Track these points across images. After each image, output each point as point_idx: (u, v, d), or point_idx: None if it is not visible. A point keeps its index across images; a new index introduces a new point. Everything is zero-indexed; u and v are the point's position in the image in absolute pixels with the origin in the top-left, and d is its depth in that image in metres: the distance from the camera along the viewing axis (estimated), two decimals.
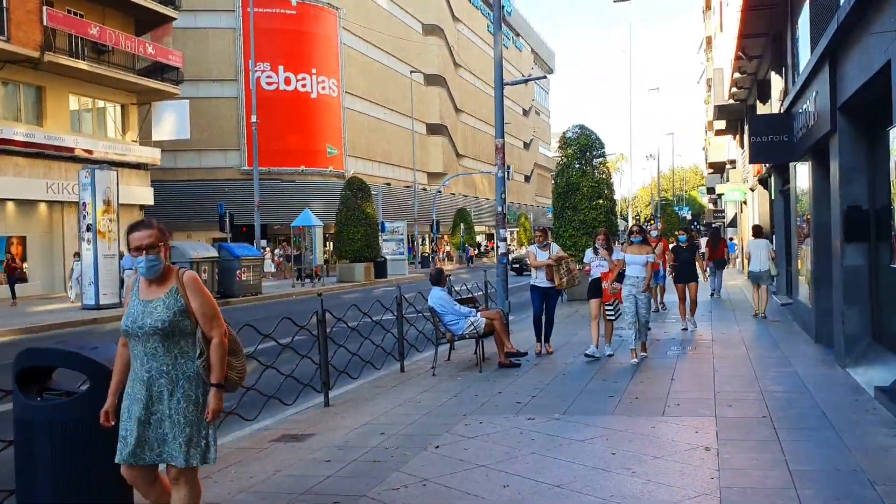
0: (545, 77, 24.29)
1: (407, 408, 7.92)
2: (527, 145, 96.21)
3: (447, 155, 68.33)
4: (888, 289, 8.68)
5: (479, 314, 10.32)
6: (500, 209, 14.03)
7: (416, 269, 48.41)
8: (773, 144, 13.24)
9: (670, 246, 15.48)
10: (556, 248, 11.11)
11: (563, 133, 22.75)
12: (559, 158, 22.51)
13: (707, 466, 5.42)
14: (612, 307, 10.65)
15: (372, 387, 9.22)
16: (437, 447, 6.23)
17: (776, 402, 7.36)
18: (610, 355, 10.56)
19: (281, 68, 48.53)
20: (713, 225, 55.17)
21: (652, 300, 12.91)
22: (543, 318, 11.26)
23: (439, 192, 60.99)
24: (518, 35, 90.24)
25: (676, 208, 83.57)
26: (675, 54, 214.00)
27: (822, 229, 11.11)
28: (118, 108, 33.17)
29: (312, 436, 6.85)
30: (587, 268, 10.87)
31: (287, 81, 48.82)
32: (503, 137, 13.98)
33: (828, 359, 9.81)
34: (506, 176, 14.25)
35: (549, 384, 8.86)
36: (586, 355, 10.36)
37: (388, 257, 39.54)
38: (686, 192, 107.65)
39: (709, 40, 48.45)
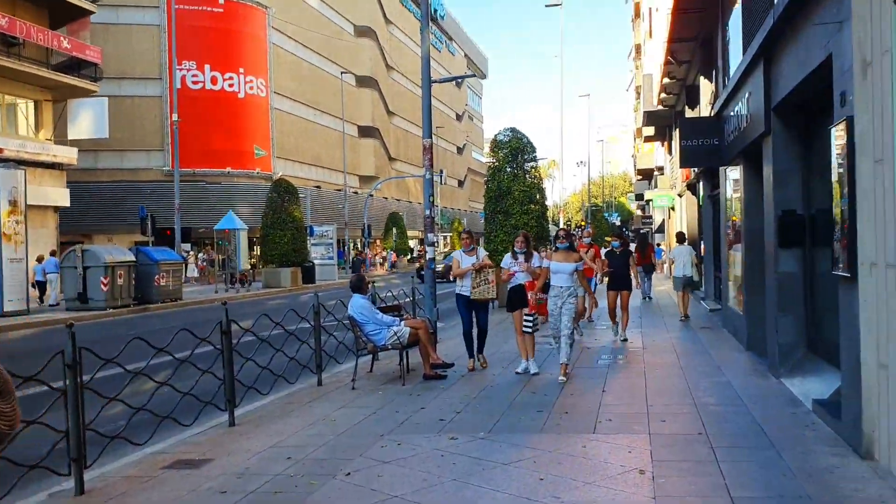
0: (474, 76, 23.98)
1: (320, 427, 7.28)
2: (460, 150, 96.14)
3: (379, 158, 67.63)
4: (823, 296, 8.43)
5: (402, 323, 9.74)
6: (427, 212, 13.49)
7: (346, 275, 47.51)
8: (703, 148, 13.03)
9: (603, 252, 14.98)
10: (483, 254, 10.16)
11: (495, 136, 22.37)
12: (491, 162, 22.09)
13: (642, 493, 4.94)
14: (531, 319, 9.61)
15: (284, 403, 8.54)
16: (348, 474, 5.62)
17: (711, 417, 6.98)
18: (535, 374, 9.60)
19: (207, 67, 47.21)
20: (641, 231, 55.91)
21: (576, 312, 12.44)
22: (475, 330, 10.34)
23: (371, 195, 60.20)
24: (451, 39, 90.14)
25: (606, 214, 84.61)
26: (606, 63, 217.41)
27: (754, 235, 10.90)
28: (31, 104, 31.50)
29: (210, 461, 6.16)
30: (507, 273, 9.79)
31: (213, 80, 47.50)
32: (431, 137, 13.46)
33: (761, 368, 9.55)
34: (435, 178, 13.71)
35: (476, 398, 8.33)
36: (517, 373, 9.62)
37: (316, 262, 38.64)
38: (615, 198, 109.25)
39: (638, 48, 49.02)
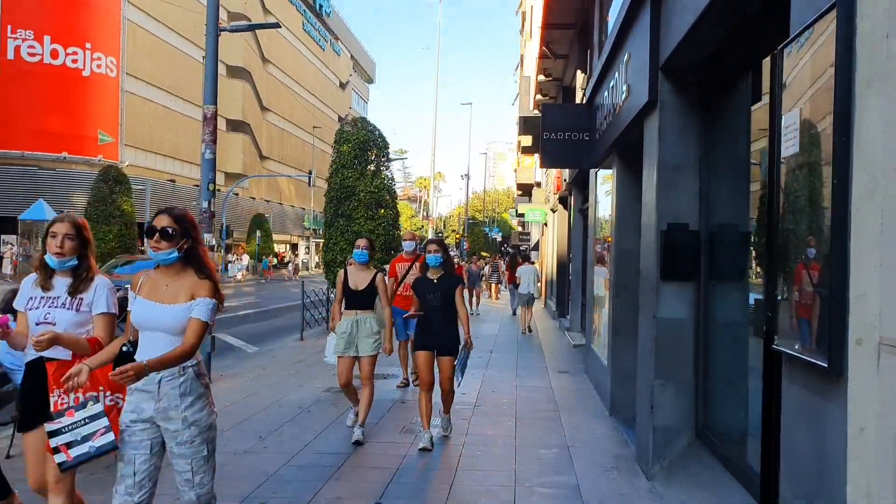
0: (279, 26, 20.12)
1: None
2: None
3: (249, 155, 62.87)
4: (723, 357, 5.50)
5: None
6: (205, 205, 9.96)
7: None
8: (569, 144, 10.07)
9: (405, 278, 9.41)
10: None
11: (341, 126, 19.07)
12: (333, 156, 18.73)
13: None
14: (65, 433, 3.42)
15: None
16: None
17: None
18: None
19: (47, 39, 41.65)
20: (520, 248, 54.02)
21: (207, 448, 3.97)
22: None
23: (236, 194, 55.63)
24: (337, 38, 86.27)
25: (487, 229, 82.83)
26: (495, 77, 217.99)
27: (625, 259, 8.00)
28: None
29: None
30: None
31: (54, 54, 41.97)
32: (216, 104, 10.02)
33: (627, 455, 6.54)
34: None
35: None
36: None
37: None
38: (499, 214, 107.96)
39: (522, 59, 47.00)
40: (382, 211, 18.17)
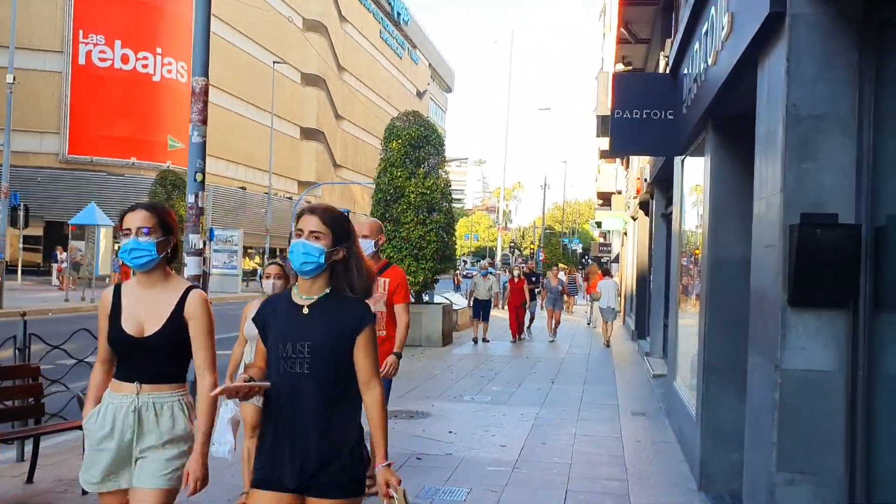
0: None
1: None
2: None
3: (322, 163, 62.16)
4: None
5: None
6: (191, 199, 8.12)
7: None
8: (647, 124, 7.82)
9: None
10: None
11: (392, 121, 17.21)
12: (381, 153, 16.88)
13: None
14: None
15: None
16: None
17: None
18: None
19: (118, 43, 41.43)
20: (601, 259, 51.51)
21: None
22: None
23: (308, 202, 54.66)
24: (415, 47, 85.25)
25: (566, 240, 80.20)
26: (575, 85, 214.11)
27: (724, 271, 5.75)
28: None
29: None
30: None
31: (124, 59, 41.72)
32: (206, 76, 8.16)
33: None
34: (205, 140, 8.29)
35: None
36: None
37: (215, 271, 33.16)
38: (580, 224, 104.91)
39: (603, 63, 44.58)
40: (437, 216, 16.21)
